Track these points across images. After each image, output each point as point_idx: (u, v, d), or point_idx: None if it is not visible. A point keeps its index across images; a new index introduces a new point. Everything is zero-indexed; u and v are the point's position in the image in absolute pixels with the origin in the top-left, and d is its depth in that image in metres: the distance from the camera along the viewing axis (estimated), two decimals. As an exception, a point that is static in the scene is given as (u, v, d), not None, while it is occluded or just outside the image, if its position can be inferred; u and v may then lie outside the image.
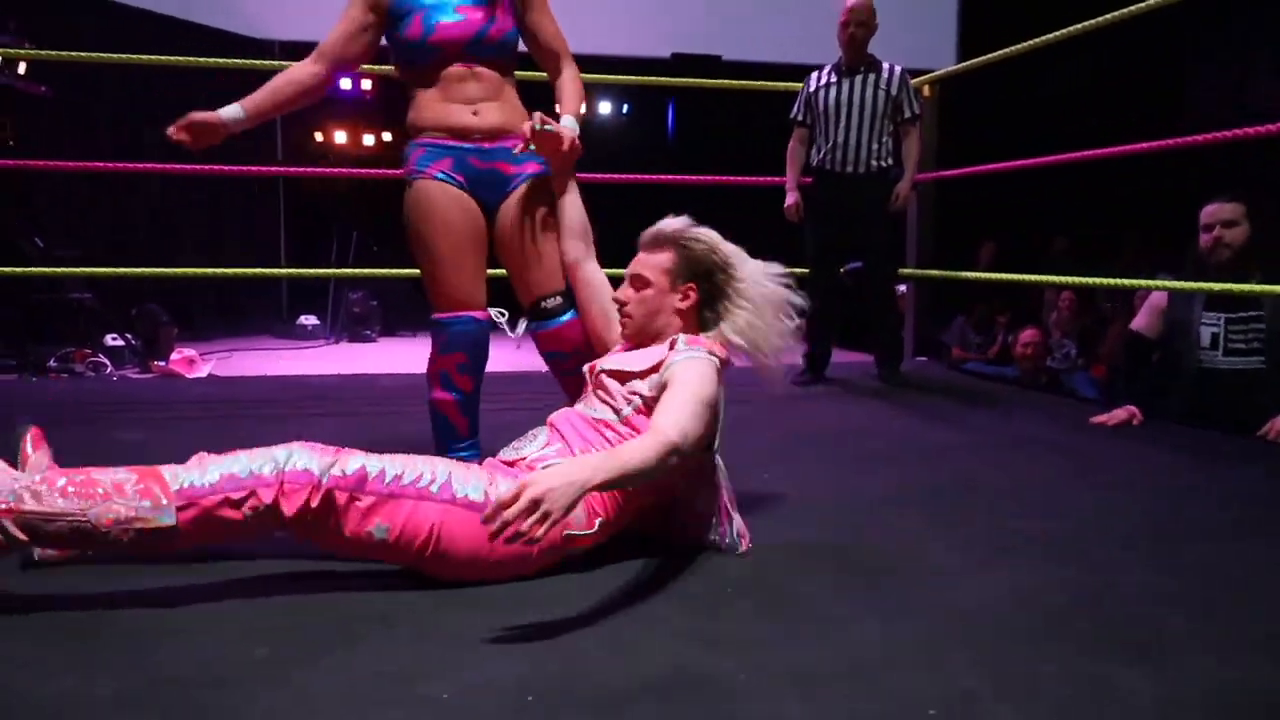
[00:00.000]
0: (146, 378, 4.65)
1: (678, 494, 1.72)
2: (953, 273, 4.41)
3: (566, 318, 2.10)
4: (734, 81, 4.65)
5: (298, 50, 6.63)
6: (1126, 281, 3.81)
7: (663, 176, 4.53)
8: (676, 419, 1.53)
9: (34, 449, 1.69)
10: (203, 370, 4.92)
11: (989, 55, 3.86)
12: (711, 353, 1.69)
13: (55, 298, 4.91)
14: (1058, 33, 3.37)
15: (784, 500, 2.11)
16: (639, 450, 1.46)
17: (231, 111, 2.04)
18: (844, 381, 3.92)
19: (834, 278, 3.95)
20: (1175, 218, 3.25)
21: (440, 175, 2.05)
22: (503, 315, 5.26)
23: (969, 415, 3.29)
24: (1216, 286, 2.73)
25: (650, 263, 1.79)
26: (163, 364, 4.84)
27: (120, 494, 1.34)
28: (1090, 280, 3.74)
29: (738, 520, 1.71)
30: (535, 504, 1.29)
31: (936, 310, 5.17)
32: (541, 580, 1.56)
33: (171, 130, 2.03)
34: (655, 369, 1.68)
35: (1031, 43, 3.51)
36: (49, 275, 4.61)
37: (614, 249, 2.19)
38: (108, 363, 4.71)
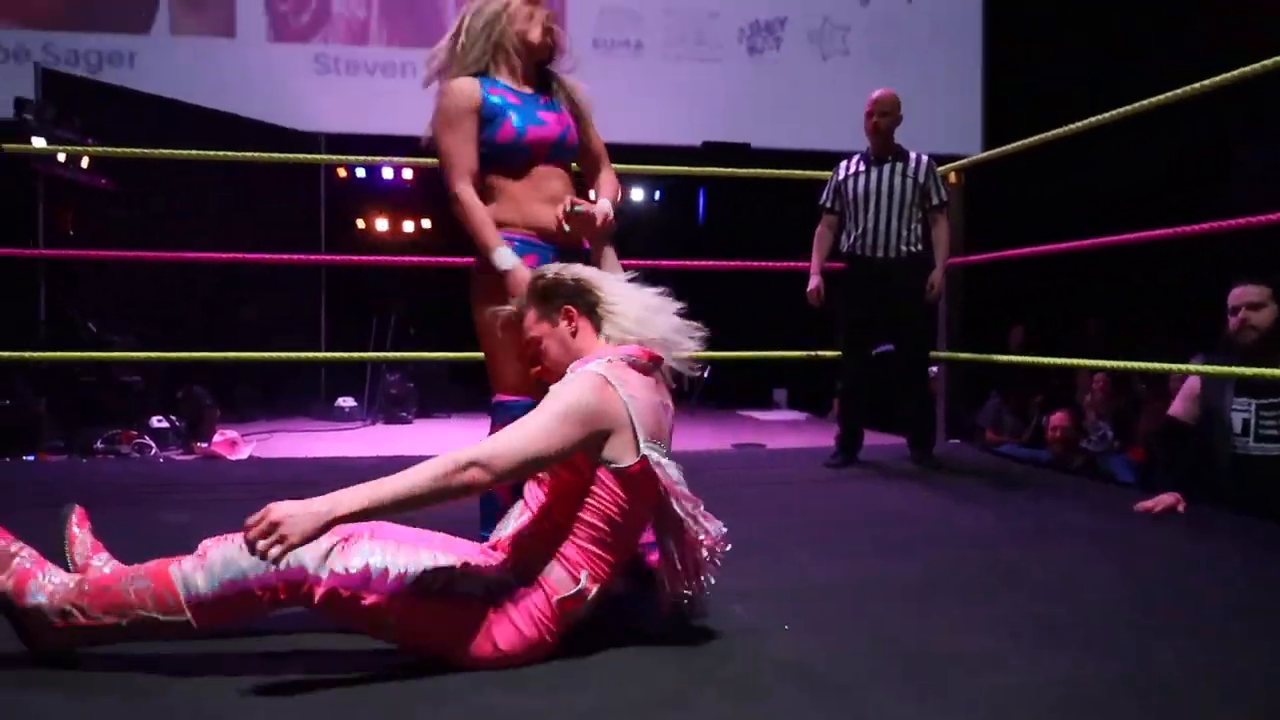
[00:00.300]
0: (190, 459, 4.75)
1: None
2: (985, 355, 4.43)
3: None
4: (763, 170, 4.78)
5: (344, 144, 6.93)
6: (1159, 365, 3.80)
7: (694, 262, 4.64)
8: (491, 439, 1.57)
9: (79, 528, 1.75)
10: (244, 452, 5.01)
11: (1014, 144, 3.94)
12: (599, 368, 1.64)
13: (105, 380, 5.06)
14: (1084, 121, 3.43)
15: (818, 584, 2.11)
16: (409, 473, 1.46)
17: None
18: (876, 464, 3.92)
19: (865, 360, 3.98)
20: (1211, 299, 3.26)
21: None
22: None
23: (1004, 499, 3.27)
24: (1247, 371, 2.72)
25: (527, 324, 1.81)
26: (205, 445, 4.95)
27: (142, 604, 1.49)
28: (1123, 364, 3.74)
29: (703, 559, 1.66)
30: (273, 526, 1.35)
31: (968, 393, 5.17)
32: (575, 659, 1.57)
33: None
34: None
35: (1057, 132, 3.58)
36: (100, 359, 4.77)
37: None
38: (152, 444, 4.82)
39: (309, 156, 6.50)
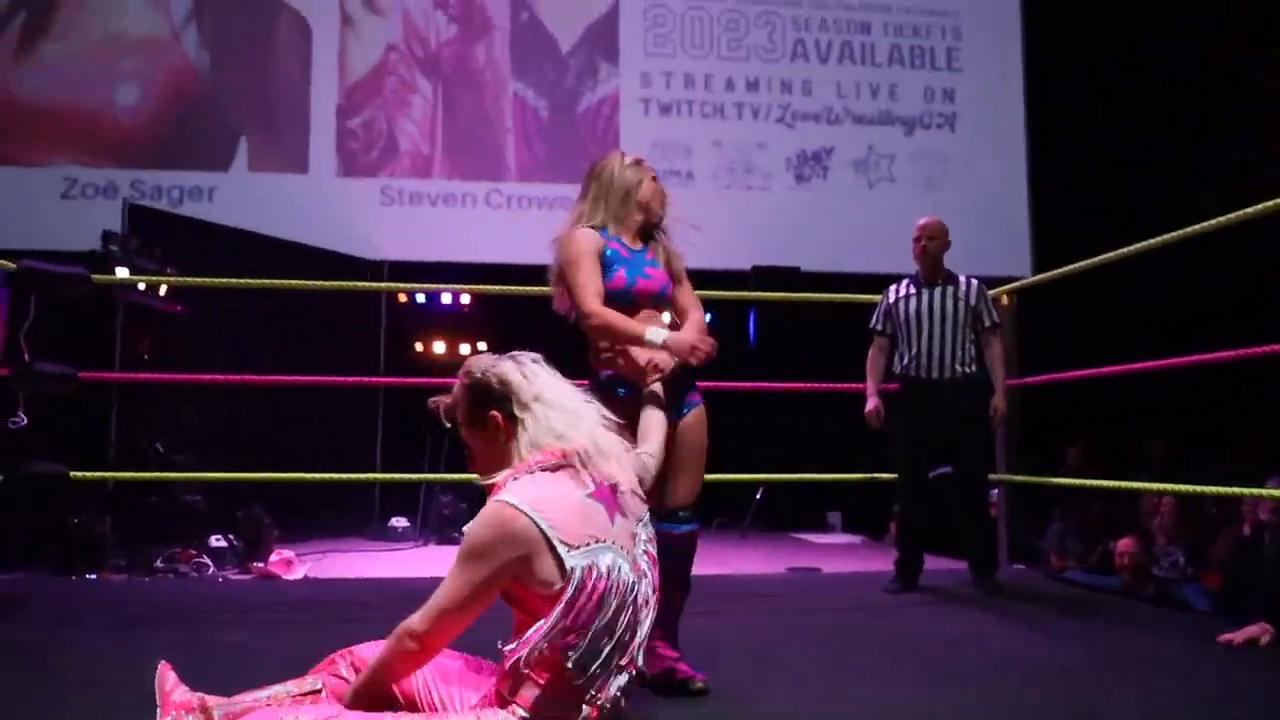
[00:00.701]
0: (246, 578, 4.79)
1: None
2: (1047, 478, 4.34)
3: (689, 528, 2.34)
4: (813, 294, 4.85)
5: (405, 270, 7.18)
6: (1231, 490, 3.69)
7: (746, 384, 4.67)
8: (422, 613, 1.61)
9: (172, 685, 1.77)
10: (299, 571, 5.03)
11: (1066, 269, 3.96)
12: (504, 494, 1.63)
13: (169, 500, 5.17)
14: (1140, 244, 3.43)
15: (883, 716, 2.04)
16: (367, 672, 1.65)
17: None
18: (938, 589, 3.82)
19: (922, 482, 3.93)
20: None
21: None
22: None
23: (1075, 628, 3.15)
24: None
25: (462, 424, 1.81)
26: (262, 565, 4.99)
27: None
28: (1193, 489, 3.63)
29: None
30: None
31: (1029, 516, 5.05)
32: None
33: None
34: None
35: (1111, 255, 3.59)
36: (166, 479, 4.89)
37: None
38: (210, 563, 4.87)
39: (372, 285, 6.76)
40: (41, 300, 3.86)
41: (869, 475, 4.42)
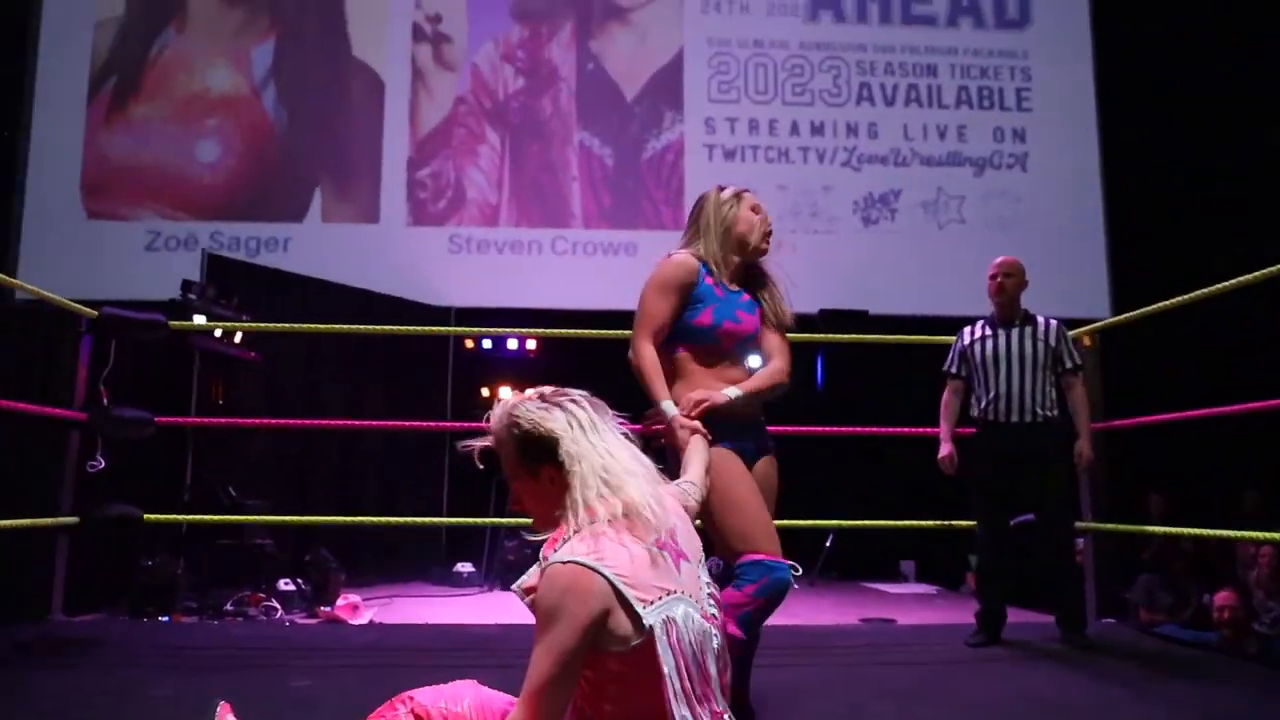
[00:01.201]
0: (313, 623, 4.79)
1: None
2: (1138, 526, 4.13)
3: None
4: (881, 336, 4.75)
5: (471, 317, 7.28)
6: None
7: (813, 429, 4.57)
8: (520, 703, 1.48)
9: None
10: (365, 616, 5.03)
11: (1150, 308, 3.81)
12: (567, 554, 1.52)
13: (240, 544, 5.23)
14: (1224, 284, 3.31)
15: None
16: None
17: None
18: (1023, 643, 3.63)
19: (1004, 531, 3.77)
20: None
21: (728, 445, 2.29)
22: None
23: (1173, 688, 2.95)
24: None
25: (506, 462, 1.68)
26: (329, 609, 4.99)
27: None
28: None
29: None
30: None
31: (1120, 567, 4.81)
32: None
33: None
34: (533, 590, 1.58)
35: (1197, 294, 3.45)
36: (237, 523, 4.96)
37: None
38: (278, 607, 4.90)
39: (439, 329, 6.85)
40: (121, 346, 3.97)
41: (945, 523, 4.26)
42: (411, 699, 1.67)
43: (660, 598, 1.51)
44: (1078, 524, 4.04)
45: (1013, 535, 3.81)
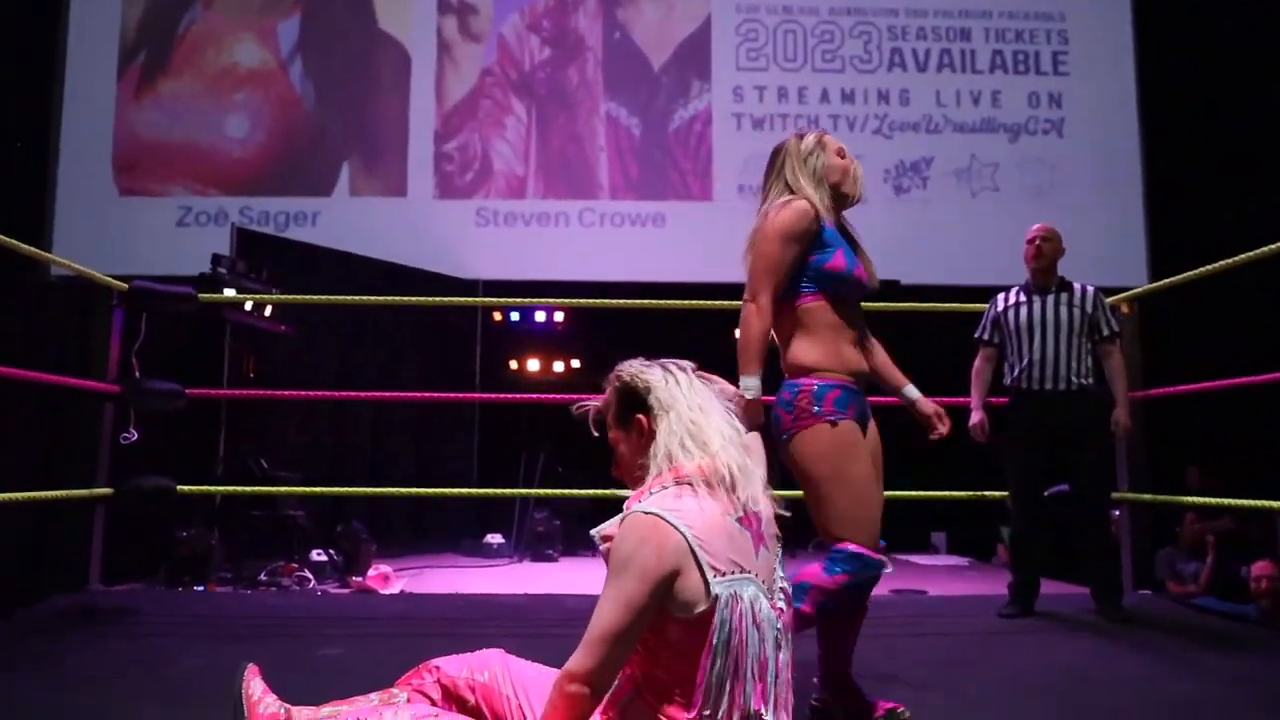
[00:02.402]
0: (345, 592, 4.85)
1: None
2: (1173, 497, 4.06)
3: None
4: (913, 304, 4.68)
5: (499, 290, 7.27)
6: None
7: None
8: (580, 649, 1.45)
9: (259, 695, 1.75)
10: (396, 586, 5.08)
11: (1190, 273, 3.71)
12: (646, 505, 1.51)
13: (273, 515, 5.29)
14: (1265, 249, 3.21)
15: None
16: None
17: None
18: (1057, 615, 3.58)
19: (1037, 501, 3.71)
20: None
21: (856, 419, 2.15)
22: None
23: (1210, 661, 2.90)
24: None
25: (609, 421, 1.72)
26: (360, 580, 5.04)
27: None
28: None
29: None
30: None
31: (1157, 538, 4.74)
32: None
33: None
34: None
35: (1237, 259, 3.35)
36: (270, 494, 5.01)
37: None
38: (311, 577, 4.95)
39: (468, 300, 6.85)
40: (151, 319, 4.00)
41: (976, 494, 4.21)
42: (438, 669, 1.67)
43: (733, 572, 1.48)
44: (1113, 495, 3.97)
45: (1046, 506, 3.75)
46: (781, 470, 2.14)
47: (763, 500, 1.60)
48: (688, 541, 1.46)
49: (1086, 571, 3.78)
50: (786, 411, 2.14)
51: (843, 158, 2.30)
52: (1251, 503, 3.88)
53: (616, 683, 1.53)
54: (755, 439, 1.74)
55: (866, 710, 2.14)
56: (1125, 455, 4.09)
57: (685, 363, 1.71)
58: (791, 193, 2.23)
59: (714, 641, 1.44)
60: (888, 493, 4.32)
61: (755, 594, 1.49)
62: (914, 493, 4.45)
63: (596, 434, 1.75)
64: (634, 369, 1.69)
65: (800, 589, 2.02)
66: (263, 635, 3.23)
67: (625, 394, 1.67)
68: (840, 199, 2.29)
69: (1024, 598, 3.62)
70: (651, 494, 1.54)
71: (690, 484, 1.53)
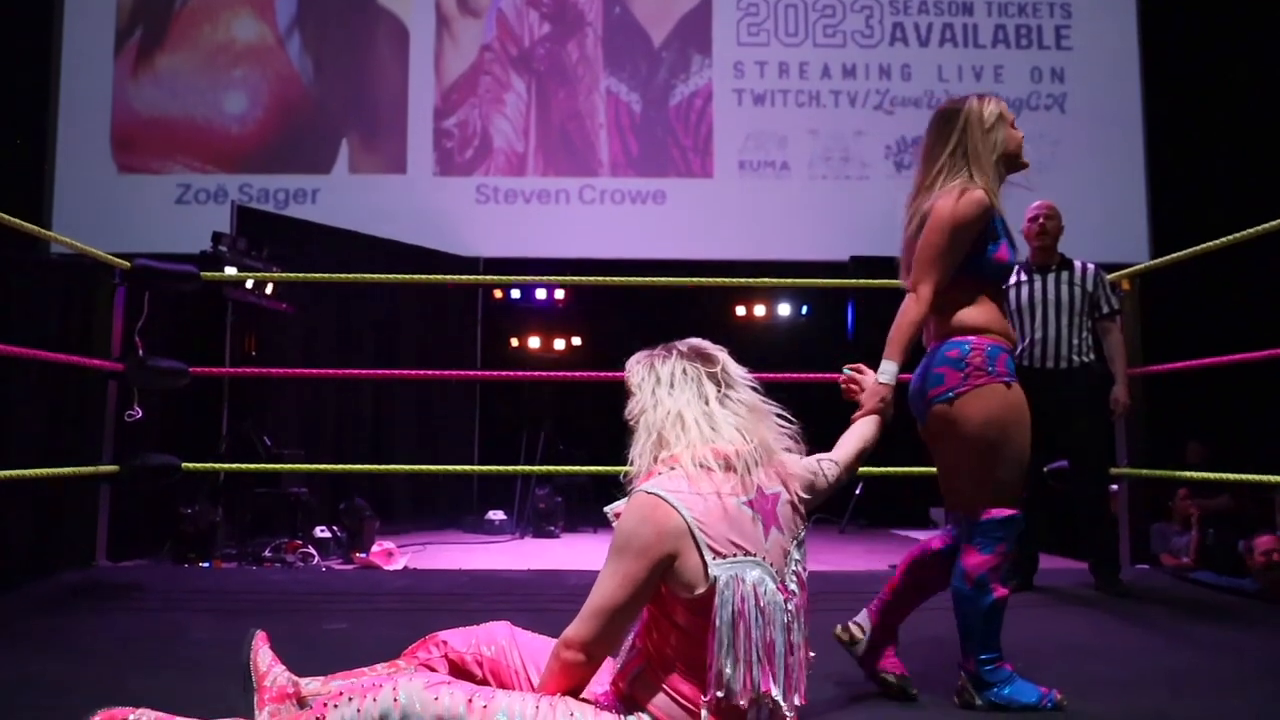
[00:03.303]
0: (349, 569, 4.88)
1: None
2: (1171, 472, 4.08)
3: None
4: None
5: (499, 267, 7.27)
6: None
7: (843, 375, 4.52)
8: (578, 619, 1.51)
9: (261, 652, 1.79)
10: (399, 562, 5.11)
11: (1191, 250, 3.70)
12: (649, 485, 1.55)
13: (276, 492, 5.32)
14: (1268, 225, 3.21)
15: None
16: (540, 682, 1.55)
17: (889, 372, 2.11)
18: (1055, 590, 3.61)
19: (1038, 477, 3.73)
20: None
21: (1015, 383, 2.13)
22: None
23: (1208, 634, 2.93)
24: None
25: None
26: (364, 556, 5.08)
27: None
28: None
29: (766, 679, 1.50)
30: None
31: (1155, 514, 4.76)
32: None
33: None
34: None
35: (1239, 235, 3.35)
36: (273, 471, 5.04)
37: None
38: (315, 553, 4.99)
39: (468, 278, 6.85)
40: (154, 298, 4.01)
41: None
42: (445, 642, 1.69)
43: (734, 554, 1.51)
44: (1112, 470, 3.99)
45: (1046, 482, 3.78)
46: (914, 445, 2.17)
47: (779, 485, 1.61)
48: (687, 523, 1.49)
49: (1085, 546, 3.81)
50: (955, 369, 2.08)
51: (1014, 126, 2.23)
52: (1249, 477, 3.91)
53: (627, 655, 1.58)
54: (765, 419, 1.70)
55: (880, 672, 2.21)
56: (1124, 431, 4.11)
57: (695, 344, 1.72)
58: (970, 169, 2.14)
59: (717, 623, 1.47)
60: (888, 468, 4.34)
61: (760, 577, 1.51)
62: (914, 468, 4.46)
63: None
64: (631, 364, 1.73)
65: (981, 584, 2.06)
66: (269, 610, 3.26)
67: (628, 390, 1.72)
68: (1012, 169, 2.23)
69: (1023, 572, 3.65)
70: (663, 473, 1.57)
71: (701, 466, 1.55)
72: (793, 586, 1.57)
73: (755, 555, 1.53)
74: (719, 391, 1.65)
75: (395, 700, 1.43)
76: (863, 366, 2.16)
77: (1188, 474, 4.27)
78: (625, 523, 1.52)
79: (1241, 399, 6.95)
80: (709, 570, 1.48)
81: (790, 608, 1.55)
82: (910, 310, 2.11)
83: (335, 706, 1.46)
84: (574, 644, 1.50)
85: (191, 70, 7.41)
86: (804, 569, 1.62)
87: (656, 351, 1.71)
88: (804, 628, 1.59)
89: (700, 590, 1.48)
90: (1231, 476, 4.04)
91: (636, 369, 1.71)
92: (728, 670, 1.47)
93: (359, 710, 1.43)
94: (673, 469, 1.57)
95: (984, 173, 2.14)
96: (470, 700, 1.44)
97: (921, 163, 2.24)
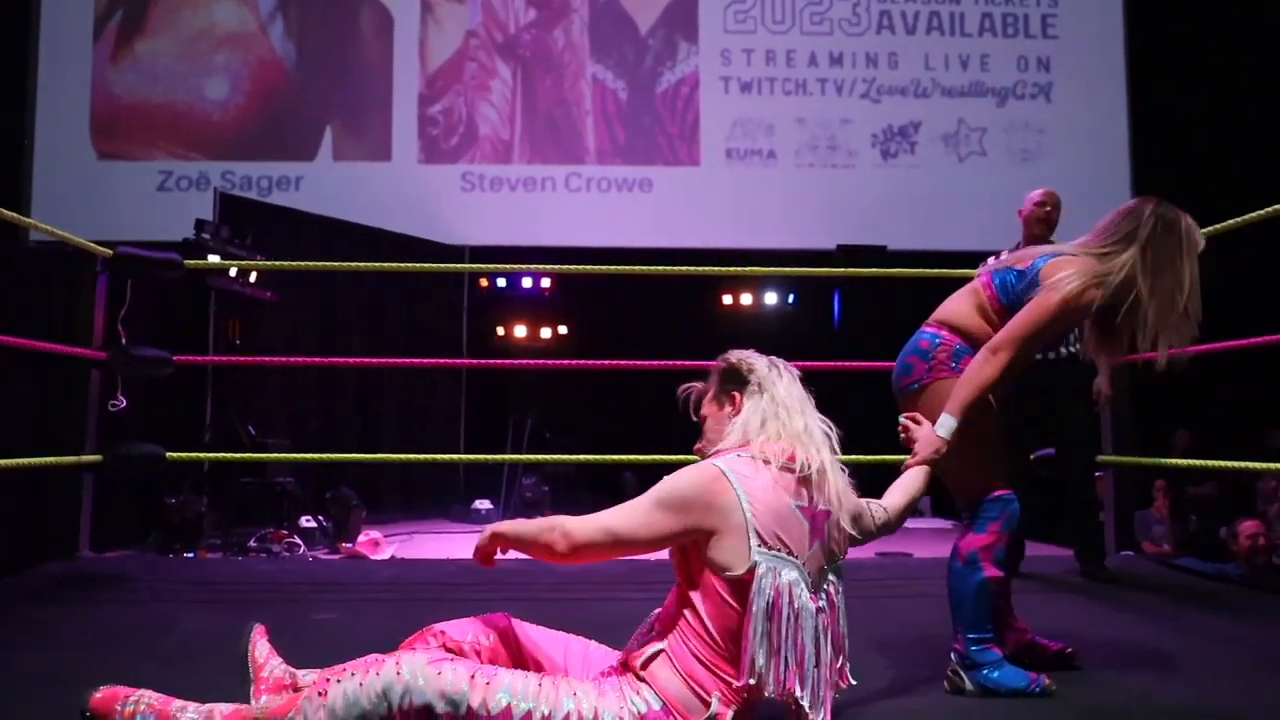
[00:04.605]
0: (335, 558, 4.86)
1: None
2: (1156, 460, 4.11)
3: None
4: (900, 270, 4.69)
5: (485, 256, 7.23)
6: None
7: (830, 364, 4.53)
8: (587, 518, 1.57)
9: (260, 645, 1.78)
10: (386, 552, 5.09)
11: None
12: (721, 460, 1.60)
13: (262, 482, 5.28)
14: (1254, 214, 3.23)
15: (1007, 714, 1.92)
16: (527, 522, 1.63)
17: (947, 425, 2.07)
18: (1042, 577, 3.64)
19: (1023, 465, 3.74)
20: None
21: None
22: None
23: (1193, 620, 2.96)
24: None
25: (706, 400, 1.81)
26: (350, 545, 5.06)
27: None
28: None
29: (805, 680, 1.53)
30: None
31: (1141, 501, 4.81)
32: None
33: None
34: None
35: (1224, 224, 3.37)
36: (258, 460, 5.00)
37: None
38: (301, 543, 4.96)
39: (453, 266, 6.81)
40: (137, 285, 3.96)
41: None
42: (443, 633, 1.68)
43: (778, 549, 1.54)
44: (1098, 458, 4.02)
45: (1032, 469, 3.80)
46: None
47: (837, 505, 1.65)
48: (741, 505, 1.52)
49: (1071, 533, 3.83)
50: (922, 360, 2.19)
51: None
52: (1231, 464, 3.94)
53: (643, 635, 1.61)
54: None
55: (1035, 650, 2.27)
56: (1110, 419, 4.13)
57: (791, 365, 1.81)
58: (1125, 259, 2.06)
59: (753, 610, 1.50)
60: (873, 456, 4.36)
61: (796, 578, 1.54)
62: (900, 457, 4.48)
63: (694, 417, 1.82)
64: (743, 354, 1.79)
65: (971, 561, 2.10)
66: (256, 600, 3.24)
67: (728, 372, 1.77)
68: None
69: (1009, 560, 3.66)
70: (735, 455, 1.62)
71: (764, 460, 1.60)
72: (822, 602, 1.60)
73: (796, 558, 1.56)
74: (797, 401, 1.72)
75: (398, 674, 1.43)
76: (919, 416, 2.14)
77: (1172, 462, 4.31)
78: (681, 479, 1.56)
79: (1226, 387, 7.01)
80: (751, 554, 1.51)
81: (821, 621, 1.58)
82: (988, 374, 2.05)
83: (338, 681, 1.46)
84: (567, 534, 1.56)
85: (172, 55, 7.31)
86: (837, 590, 1.66)
87: (769, 357, 1.80)
88: (830, 646, 1.61)
89: (738, 572, 1.51)
90: (1214, 464, 4.08)
91: (753, 357, 1.77)
92: (760, 660, 1.49)
93: (361, 684, 1.43)
94: (752, 456, 1.61)
95: (1150, 284, 2.07)
96: (473, 676, 1.45)
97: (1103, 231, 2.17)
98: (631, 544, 1.55)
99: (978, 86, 7.49)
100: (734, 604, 1.50)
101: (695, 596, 1.54)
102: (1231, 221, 3.32)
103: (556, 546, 1.56)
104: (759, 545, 1.52)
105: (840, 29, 7.54)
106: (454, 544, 5.65)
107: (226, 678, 1.74)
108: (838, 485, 1.67)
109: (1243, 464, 3.86)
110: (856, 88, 7.51)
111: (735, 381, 1.75)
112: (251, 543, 4.87)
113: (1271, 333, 3.40)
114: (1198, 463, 3.99)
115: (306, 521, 5.19)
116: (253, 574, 3.91)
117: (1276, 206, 3.08)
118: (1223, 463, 3.95)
